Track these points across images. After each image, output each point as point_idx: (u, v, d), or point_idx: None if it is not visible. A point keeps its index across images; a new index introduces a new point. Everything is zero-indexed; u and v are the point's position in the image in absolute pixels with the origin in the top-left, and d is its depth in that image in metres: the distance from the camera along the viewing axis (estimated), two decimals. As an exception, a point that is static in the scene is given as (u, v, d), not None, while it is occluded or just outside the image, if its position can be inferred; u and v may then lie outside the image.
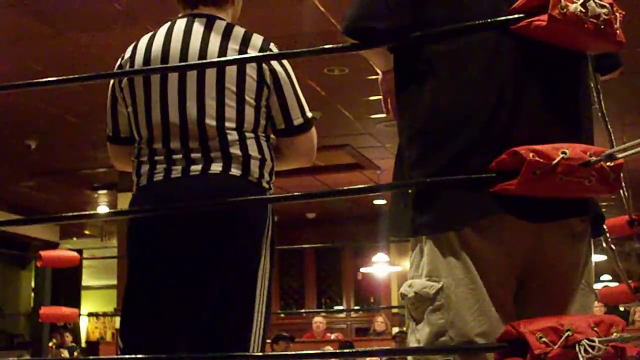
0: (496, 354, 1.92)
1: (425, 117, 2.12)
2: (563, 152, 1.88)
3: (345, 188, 2.06)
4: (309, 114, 3.04)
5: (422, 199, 2.09)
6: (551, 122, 2.07)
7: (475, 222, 2.03)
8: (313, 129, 3.06)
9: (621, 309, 12.22)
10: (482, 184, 1.98)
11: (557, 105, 2.09)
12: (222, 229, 2.81)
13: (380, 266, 15.10)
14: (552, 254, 2.09)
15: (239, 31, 2.96)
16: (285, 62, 3.01)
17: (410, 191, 2.15)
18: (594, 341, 1.82)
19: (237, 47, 2.91)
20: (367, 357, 9.81)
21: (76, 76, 2.21)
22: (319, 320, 13.64)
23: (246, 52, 2.91)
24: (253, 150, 2.90)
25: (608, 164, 1.91)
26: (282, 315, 17.28)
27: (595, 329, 1.86)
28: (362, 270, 16.14)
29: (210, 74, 2.88)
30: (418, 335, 2.10)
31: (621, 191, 2.10)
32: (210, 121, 2.86)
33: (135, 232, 2.95)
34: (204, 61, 2.91)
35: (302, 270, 17.52)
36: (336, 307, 17.45)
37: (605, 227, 2.29)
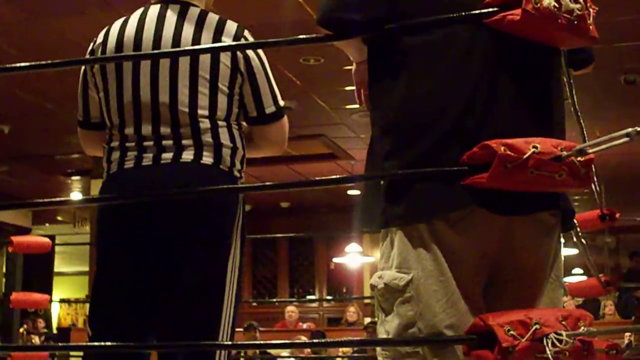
0: (464, 347, 1.93)
1: (398, 109, 2.12)
2: (534, 146, 1.89)
3: (319, 178, 2.06)
4: (282, 103, 3.02)
5: (394, 190, 2.10)
6: (524, 116, 2.08)
7: (446, 215, 2.03)
8: (285, 118, 3.05)
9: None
10: (453, 177, 1.99)
11: (530, 99, 2.10)
12: (193, 218, 2.80)
13: (353, 256, 15.12)
14: (522, 248, 2.10)
15: (213, 18, 2.94)
16: (259, 50, 2.99)
17: (382, 183, 2.16)
18: (561, 335, 1.84)
19: (211, 35, 2.90)
20: (338, 348, 9.84)
21: (50, 62, 2.20)
22: (291, 310, 13.63)
23: (220, 40, 2.90)
24: (225, 138, 2.89)
25: (579, 158, 1.92)
26: (255, 304, 17.28)
27: (563, 322, 1.87)
28: (335, 260, 16.14)
29: (184, 61, 2.86)
30: (387, 327, 2.11)
31: (593, 186, 2.11)
32: (183, 108, 2.84)
33: (104, 220, 2.93)
34: (178, 49, 2.89)
35: (275, 259, 17.51)
36: (309, 297, 17.46)
37: (575, 221, 2.30)
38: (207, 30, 2.91)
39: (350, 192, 14.88)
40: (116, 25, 3.00)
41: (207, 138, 2.85)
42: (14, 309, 5.61)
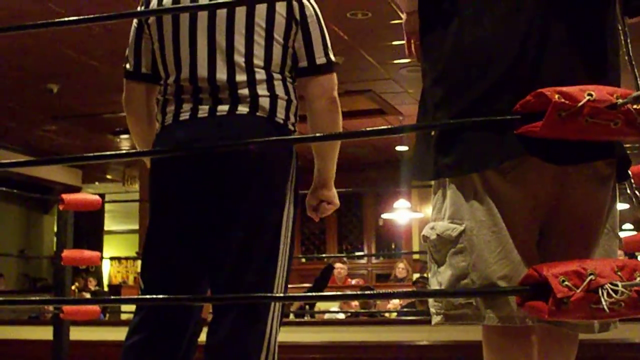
0: (518, 298, 1.91)
1: (449, 59, 2.10)
2: (589, 94, 1.85)
3: (367, 129, 2.03)
4: (333, 57, 2.98)
5: (445, 141, 2.08)
6: (577, 64, 2.04)
7: (499, 164, 2.01)
8: (334, 74, 2.99)
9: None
10: (506, 126, 1.96)
11: (583, 47, 2.06)
12: (248, 171, 2.79)
13: (402, 212, 15.09)
14: (576, 198, 2.07)
15: None
16: (313, 1, 2.98)
17: (433, 133, 2.13)
18: (617, 285, 1.81)
19: None
20: (388, 301, 9.87)
21: (96, 15, 2.18)
22: (340, 266, 13.66)
23: None
24: (280, 90, 2.88)
25: (635, 106, 1.89)
26: (304, 260, 17.35)
27: (619, 273, 1.84)
28: (384, 216, 16.12)
29: (240, 11, 2.85)
30: (440, 278, 2.10)
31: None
32: (239, 57, 2.83)
33: (158, 172, 2.93)
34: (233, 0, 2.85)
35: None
36: (357, 253, 17.49)
37: (630, 172, 2.27)
38: None
39: (398, 147, 14.83)
40: None
41: (263, 89, 2.84)
42: (66, 267, 5.66)
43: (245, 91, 2.82)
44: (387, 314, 9.48)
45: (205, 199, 2.81)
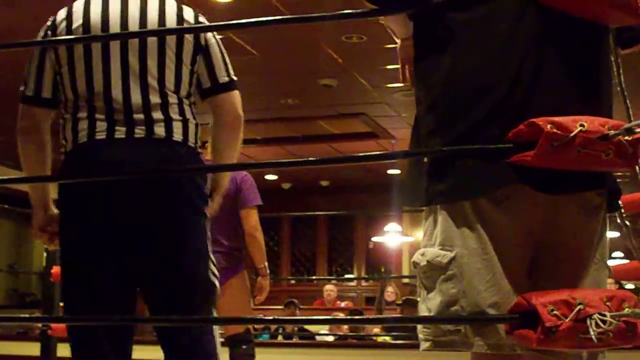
0: (507, 326, 1.92)
1: (443, 86, 2.10)
2: (581, 125, 1.87)
3: (359, 154, 2.05)
4: (234, 76, 3.12)
5: (438, 167, 2.08)
6: (570, 94, 2.05)
7: (491, 193, 2.02)
8: (237, 92, 3.13)
9: (631, 286, 12.19)
10: (498, 155, 1.97)
11: (577, 77, 2.07)
12: (170, 191, 2.91)
13: (392, 236, 15.12)
14: (567, 227, 2.08)
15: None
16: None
17: (425, 160, 2.14)
18: (605, 315, 1.82)
19: (175, 11, 3.03)
20: (376, 325, 9.86)
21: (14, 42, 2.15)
22: (330, 289, 13.67)
23: (183, 17, 3.02)
24: (189, 114, 3.00)
25: (626, 137, 1.90)
26: (293, 281, 17.34)
27: (608, 303, 1.85)
28: (374, 239, 16.15)
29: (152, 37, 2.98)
30: (429, 304, 2.10)
31: (637, 167, 2.09)
32: (152, 80, 2.94)
33: (83, 195, 2.92)
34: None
35: (314, 237, 17.54)
36: (347, 276, 17.48)
37: (620, 202, 2.28)
38: (170, 7, 3.04)
39: (390, 171, 14.87)
40: (79, 5, 3.03)
41: (175, 114, 2.95)
42: (55, 282, 5.65)
43: (159, 114, 2.92)
44: (375, 338, 9.46)
45: (132, 226, 2.88)
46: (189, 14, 3.06)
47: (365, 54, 8.88)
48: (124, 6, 2.99)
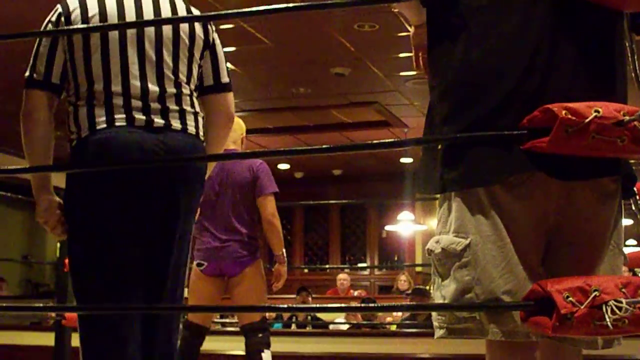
0: (522, 312, 1.92)
1: (457, 73, 2.10)
2: (596, 111, 1.86)
3: (371, 142, 2.04)
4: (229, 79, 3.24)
5: (452, 155, 2.08)
6: (585, 80, 2.04)
7: (505, 179, 2.01)
8: (232, 94, 3.25)
9: None
10: (513, 141, 1.96)
11: (591, 63, 2.06)
12: (187, 181, 3.02)
13: (405, 224, 15.08)
14: (582, 214, 2.07)
15: None
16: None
17: (439, 147, 2.14)
18: (621, 302, 1.81)
19: (185, 8, 3.12)
20: (389, 313, 9.85)
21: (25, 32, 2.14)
22: (343, 278, 13.66)
23: (191, 11, 3.13)
24: (198, 106, 3.11)
25: (642, 123, 1.89)
26: (306, 270, 17.34)
27: (623, 290, 1.85)
28: (387, 228, 16.12)
29: (167, 29, 3.04)
30: (444, 292, 2.09)
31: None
32: (168, 71, 3.01)
33: (113, 182, 2.94)
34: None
35: (327, 226, 17.53)
36: (360, 265, 17.47)
37: (635, 189, 2.27)
38: (180, 3, 3.13)
39: (402, 159, 14.83)
40: None
41: (187, 106, 3.05)
42: (68, 272, 5.68)
43: (174, 105, 3.00)
44: (389, 326, 9.46)
45: (152, 213, 2.97)
46: (196, 13, 3.16)
47: (377, 42, 8.85)
48: (138, 1, 3.06)
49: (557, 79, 2.02)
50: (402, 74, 9.89)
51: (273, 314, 9.66)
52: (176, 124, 2.98)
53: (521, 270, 2.01)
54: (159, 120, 2.95)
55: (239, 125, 5.39)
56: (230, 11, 2.76)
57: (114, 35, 2.97)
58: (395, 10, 7.17)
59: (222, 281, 5.31)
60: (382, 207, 16.96)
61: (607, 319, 1.79)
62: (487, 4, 2.08)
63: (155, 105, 2.96)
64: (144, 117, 2.93)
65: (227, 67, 3.24)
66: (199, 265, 5.33)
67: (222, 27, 8.01)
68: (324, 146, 2.40)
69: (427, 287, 10.38)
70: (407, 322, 9.06)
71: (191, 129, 3.02)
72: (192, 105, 3.06)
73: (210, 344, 5.54)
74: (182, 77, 3.04)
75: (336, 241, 17.47)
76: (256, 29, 8.23)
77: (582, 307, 1.80)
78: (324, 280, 15.87)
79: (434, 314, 2.17)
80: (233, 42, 8.57)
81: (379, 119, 12.24)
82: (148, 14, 3.04)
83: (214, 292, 5.30)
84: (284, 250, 5.41)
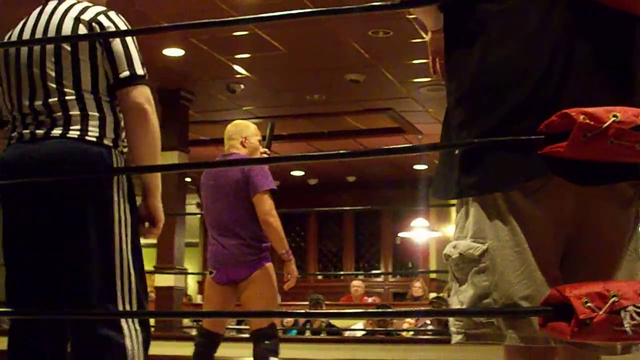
0: (540, 318, 1.91)
1: (474, 78, 2.09)
2: (614, 115, 1.85)
3: (386, 147, 2.04)
4: (140, 70, 3.10)
5: (469, 160, 2.07)
6: (603, 84, 2.04)
7: (523, 184, 2.01)
8: (142, 86, 3.10)
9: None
10: (530, 146, 1.96)
11: (609, 67, 2.06)
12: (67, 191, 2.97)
13: (420, 231, 15.07)
14: (600, 219, 2.07)
15: (81, 4, 3.16)
16: (118, 21, 3.14)
17: (457, 152, 2.13)
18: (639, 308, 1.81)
19: (76, 13, 3.10)
20: (404, 319, 9.84)
21: None
22: (357, 284, 13.65)
23: (79, 19, 3.08)
24: (92, 109, 3.03)
25: (660, 128, 1.88)
26: (320, 277, 17.33)
27: (642, 295, 1.84)
28: (401, 234, 16.11)
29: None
30: (461, 297, 2.09)
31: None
32: (51, 82, 3.04)
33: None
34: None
35: (341, 233, 17.51)
36: (374, 271, 17.45)
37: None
38: (73, 12, 3.12)
39: (416, 166, 14.83)
40: (25, 20, 3.22)
41: (76, 109, 3.02)
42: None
43: (59, 114, 3.02)
44: (403, 333, 9.45)
45: (35, 227, 3.02)
46: (90, 13, 3.11)
47: (391, 48, 8.85)
48: (37, 19, 3.16)
49: (575, 83, 2.01)
50: (416, 80, 9.89)
51: (290, 321, 9.67)
52: (57, 131, 3.00)
53: (539, 276, 2.00)
54: (40, 132, 3.01)
55: (236, 130, 5.36)
56: (244, 17, 2.77)
57: (12, 58, 3.11)
58: (410, 16, 7.18)
59: (233, 289, 5.30)
60: (396, 214, 16.93)
61: (626, 325, 1.79)
62: (504, 9, 2.07)
63: (41, 118, 3.03)
64: (28, 131, 3.03)
65: (133, 61, 3.08)
66: (210, 273, 5.34)
67: (236, 34, 8.06)
68: (337, 152, 2.40)
69: (442, 294, 10.37)
70: (421, 329, 9.06)
71: (73, 133, 2.99)
72: (83, 109, 3.01)
73: (224, 350, 5.54)
74: (67, 83, 3.03)
75: (350, 248, 17.45)
76: (270, 36, 8.25)
77: (600, 312, 1.79)
78: (337, 287, 15.84)
79: (451, 319, 2.16)
80: (247, 49, 8.60)
81: (393, 126, 12.25)
82: (39, 31, 3.11)
83: (225, 299, 5.29)
84: (287, 248, 5.33)
